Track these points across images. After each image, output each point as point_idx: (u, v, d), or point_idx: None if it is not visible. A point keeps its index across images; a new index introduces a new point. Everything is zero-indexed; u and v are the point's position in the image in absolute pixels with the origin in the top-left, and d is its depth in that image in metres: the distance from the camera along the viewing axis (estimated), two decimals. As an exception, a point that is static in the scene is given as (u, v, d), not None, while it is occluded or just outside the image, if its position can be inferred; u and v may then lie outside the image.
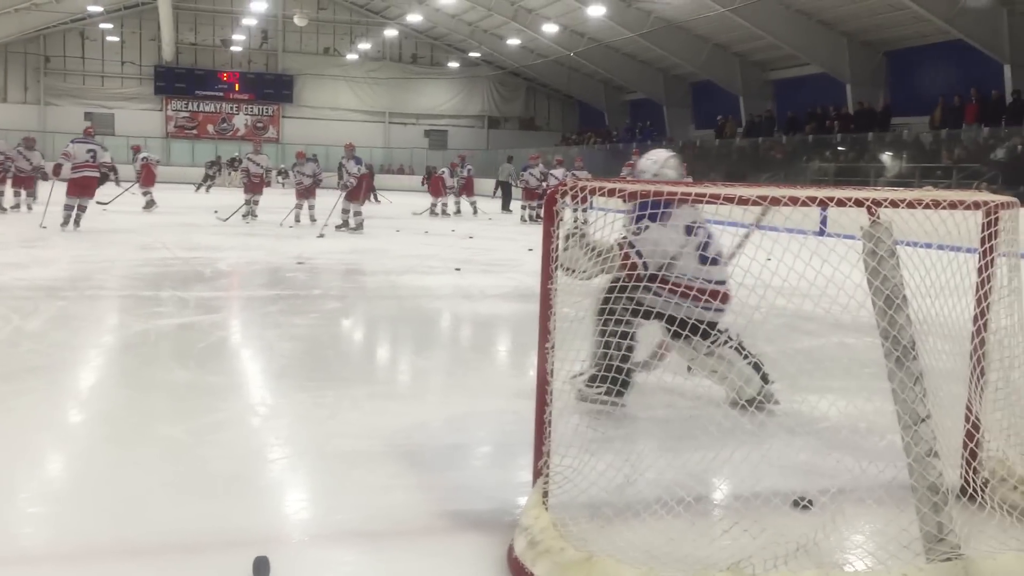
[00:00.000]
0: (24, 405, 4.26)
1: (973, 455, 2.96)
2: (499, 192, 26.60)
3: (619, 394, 4.05)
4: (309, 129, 39.63)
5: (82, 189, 13.83)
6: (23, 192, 17.24)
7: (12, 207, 16.98)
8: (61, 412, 4.21)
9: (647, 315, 4.04)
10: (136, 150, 21.67)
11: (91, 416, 4.21)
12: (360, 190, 15.78)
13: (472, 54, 39.46)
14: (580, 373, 4.07)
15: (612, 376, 3.90)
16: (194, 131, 39.61)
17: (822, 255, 2.81)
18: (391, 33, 38.77)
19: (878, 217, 2.60)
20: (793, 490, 2.81)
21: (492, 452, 3.85)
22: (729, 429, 3.11)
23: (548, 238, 2.78)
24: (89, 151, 13.94)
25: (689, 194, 2.88)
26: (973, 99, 18.99)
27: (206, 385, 4.73)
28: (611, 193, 2.90)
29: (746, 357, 4.05)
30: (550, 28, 30.15)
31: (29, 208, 16.83)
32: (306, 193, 16.91)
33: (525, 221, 19.92)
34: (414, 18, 35.25)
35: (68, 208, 13.69)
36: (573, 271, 4.12)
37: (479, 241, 14.58)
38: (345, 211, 15.55)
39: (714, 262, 4.06)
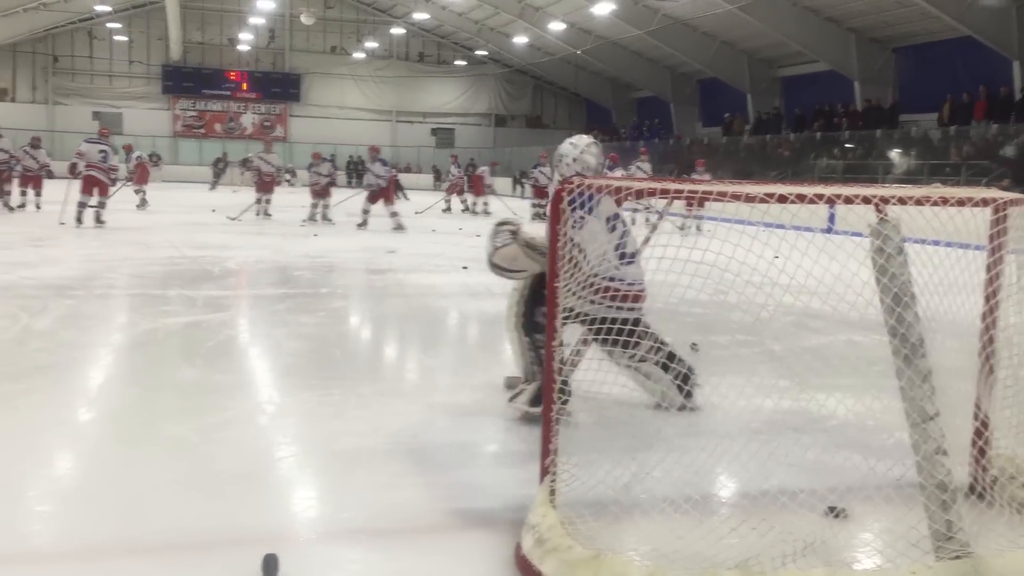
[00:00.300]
0: (32, 404, 4.27)
1: (982, 453, 2.95)
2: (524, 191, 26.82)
3: (565, 403, 4.03)
4: (316, 128, 39.67)
5: (95, 187, 14.23)
6: (30, 191, 17.28)
7: (19, 206, 17.04)
8: (69, 411, 4.22)
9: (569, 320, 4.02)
10: (128, 149, 21.74)
11: (99, 415, 4.22)
12: (391, 191, 16.03)
13: (479, 52, 39.47)
14: (515, 393, 4.10)
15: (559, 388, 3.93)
16: (202, 130, 39.69)
17: (830, 253, 2.80)
18: (398, 31, 38.80)
19: (886, 214, 2.60)
20: (801, 488, 2.80)
21: (499, 450, 3.85)
22: (737, 427, 3.10)
23: (555, 237, 2.78)
24: (101, 151, 14.46)
25: (708, 192, 2.87)
26: (982, 96, 18.94)
27: (214, 383, 4.73)
28: (618, 191, 2.90)
29: (671, 370, 3.97)
30: (557, 26, 30.14)
31: (37, 207, 16.89)
32: (322, 193, 16.96)
33: (535, 219, 19.83)
34: (421, 16, 35.26)
35: (81, 205, 14.21)
36: (509, 271, 4.10)
37: (486, 239, 14.55)
38: (365, 211, 15.75)
39: (631, 261, 4.01)
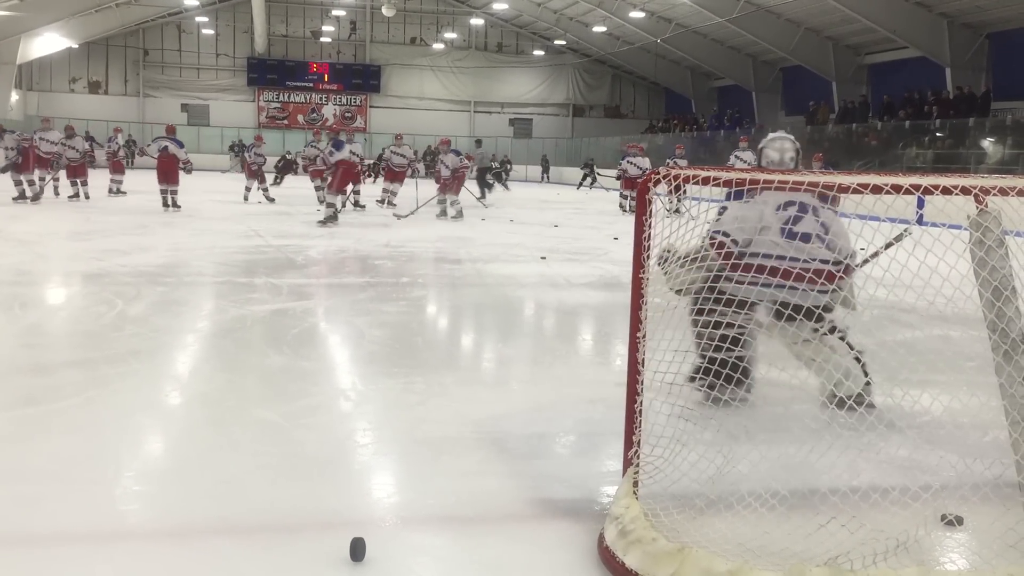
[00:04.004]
0: (128, 387, 4.42)
1: (1085, 454, 2.83)
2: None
3: (722, 387, 3.94)
4: (396, 118, 40.14)
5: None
6: (78, 181, 17.52)
7: (71, 196, 17.40)
8: (163, 394, 4.36)
9: (739, 304, 3.91)
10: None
11: (191, 398, 4.35)
12: (457, 181, 16.06)
13: (557, 42, 39.39)
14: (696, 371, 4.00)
15: (715, 369, 3.83)
16: (285, 121, 40.49)
17: (925, 244, 2.72)
18: (477, 22, 39.01)
19: (986, 205, 2.51)
20: (893, 485, 2.73)
21: (579, 441, 3.84)
22: (826, 422, 3.04)
23: (640, 227, 2.76)
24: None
25: (785, 182, 2.82)
26: (1082, 81, 18.16)
27: (299, 370, 4.83)
28: (705, 181, 2.86)
29: (855, 350, 3.92)
30: (636, 14, 29.89)
31: (87, 196, 17.34)
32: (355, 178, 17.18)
33: (625, 211, 19.35)
34: (500, 6, 35.35)
35: (247, 189, 18.96)
36: (681, 290, 4.11)
37: (564, 230, 14.56)
38: (441, 201, 15.95)
39: (804, 238, 3.89)
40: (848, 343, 3.95)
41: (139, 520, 2.86)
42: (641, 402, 2.76)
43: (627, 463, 2.79)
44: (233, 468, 3.28)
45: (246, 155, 18.72)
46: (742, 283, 3.84)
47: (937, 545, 2.67)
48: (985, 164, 19.08)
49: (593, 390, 4.50)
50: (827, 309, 3.83)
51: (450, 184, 15.93)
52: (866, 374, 3.91)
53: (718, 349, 3.80)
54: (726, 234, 3.98)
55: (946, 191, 2.49)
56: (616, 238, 11.96)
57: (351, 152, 15.49)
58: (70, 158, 17.51)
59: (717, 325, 3.80)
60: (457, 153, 16.41)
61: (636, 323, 2.77)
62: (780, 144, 4.40)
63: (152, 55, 39.35)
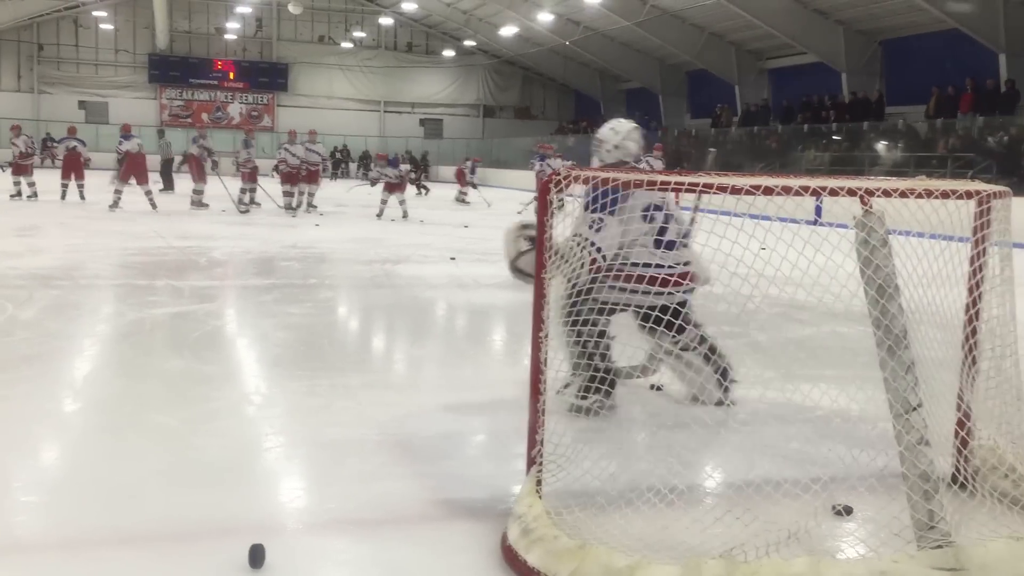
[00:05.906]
0: (19, 394, 4.26)
1: (964, 443, 2.97)
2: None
3: (607, 394, 3.94)
4: (304, 118, 39.42)
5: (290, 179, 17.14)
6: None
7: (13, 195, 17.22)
8: (56, 401, 4.21)
9: (610, 311, 3.85)
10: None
11: (86, 405, 4.21)
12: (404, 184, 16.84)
13: (467, 43, 39.36)
14: (566, 385, 3.94)
15: (599, 379, 3.80)
16: (188, 119, 39.42)
17: (815, 244, 2.81)
18: (386, 21, 38.69)
19: (871, 206, 2.61)
20: (785, 478, 2.82)
21: (485, 441, 3.86)
22: (722, 418, 3.12)
23: (542, 228, 2.78)
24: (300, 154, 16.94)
25: (684, 184, 2.88)
26: (968, 88, 19.00)
27: (200, 374, 4.73)
28: (605, 182, 2.90)
29: (712, 363, 3.95)
30: (545, 17, 30.08)
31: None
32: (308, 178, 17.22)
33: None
34: (409, 6, 35.12)
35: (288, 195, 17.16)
36: (532, 276, 3.97)
37: (474, 231, 14.58)
38: (384, 201, 16.51)
39: (669, 246, 3.92)
40: (712, 347, 4.00)
41: (28, 532, 2.76)
42: (544, 401, 2.78)
43: (530, 462, 2.81)
44: (129, 476, 3.19)
45: (277, 153, 17.81)
46: (623, 291, 3.85)
47: (828, 535, 2.77)
48: (879, 167, 19.80)
49: (500, 390, 4.52)
50: (686, 319, 3.86)
51: (396, 185, 16.49)
52: (725, 378, 3.98)
53: (603, 357, 3.84)
54: (599, 250, 3.82)
55: (833, 192, 2.59)
56: (525, 239, 12.00)
57: (139, 144, 16.32)
58: None
59: (600, 334, 3.83)
60: (394, 163, 17.10)
61: (539, 323, 2.80)
62: (637, 134, 4.28)
63: (47, 50, 37.84)
